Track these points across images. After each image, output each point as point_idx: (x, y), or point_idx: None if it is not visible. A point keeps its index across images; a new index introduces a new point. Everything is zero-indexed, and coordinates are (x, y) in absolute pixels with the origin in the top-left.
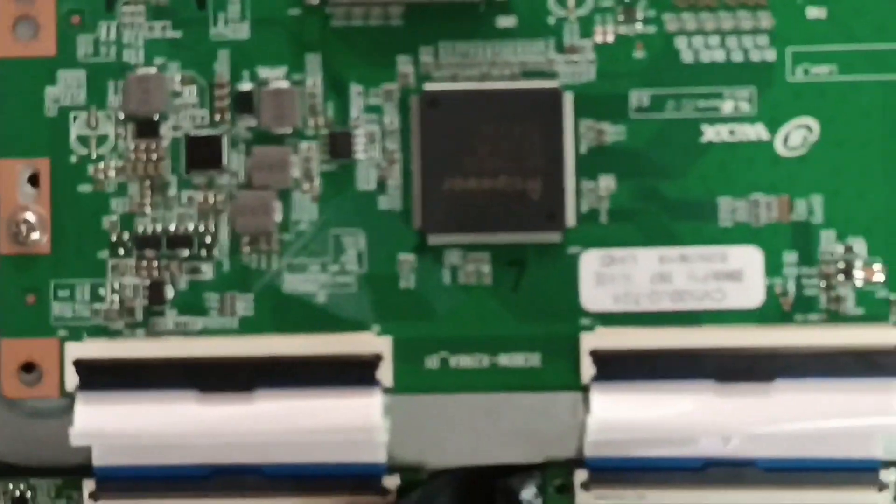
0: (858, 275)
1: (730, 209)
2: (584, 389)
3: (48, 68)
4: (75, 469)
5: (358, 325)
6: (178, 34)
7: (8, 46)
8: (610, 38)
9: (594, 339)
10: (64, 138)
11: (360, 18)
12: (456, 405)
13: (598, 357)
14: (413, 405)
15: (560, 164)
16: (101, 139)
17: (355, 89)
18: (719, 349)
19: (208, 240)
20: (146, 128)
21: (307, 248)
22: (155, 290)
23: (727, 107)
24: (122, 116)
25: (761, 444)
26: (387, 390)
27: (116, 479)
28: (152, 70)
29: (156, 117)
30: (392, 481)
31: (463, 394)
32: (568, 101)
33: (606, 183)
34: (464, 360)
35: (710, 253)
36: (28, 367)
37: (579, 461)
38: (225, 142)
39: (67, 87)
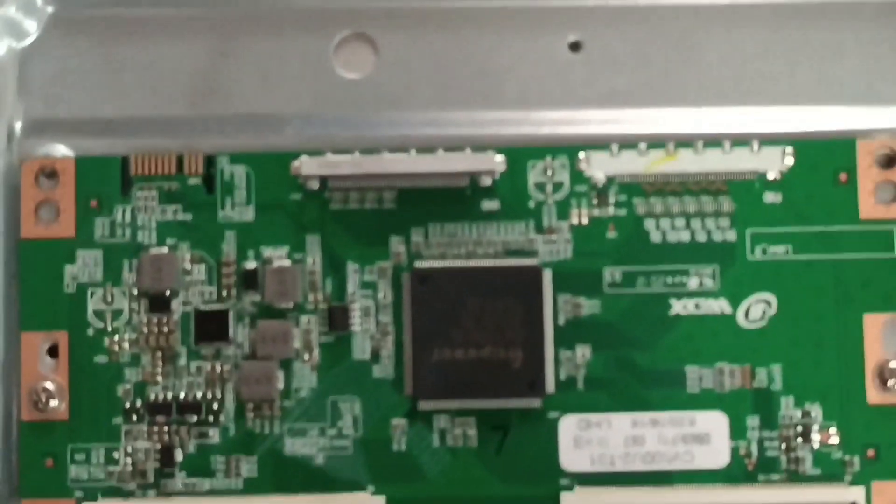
0: (815, 438)
1: (697, 377)
2: None
3: (68, 248)
4: None
5: (354, 486)
6: (188, 217)
7: (31, 229)
8: (585, 220)
9: (573, 499)
10: (82, 313)
11: (357, 202)
12: None
13: None
14: None
15: (540, 335)
16: (116, 313)
17: (352, 267)
18: None
19: (215, 406)
20: (158, 303)
21: (307, 414)
22: (165, 454)
23: (693, 283)
24: (135, 292)
25: None
26: None
27: None
28: (164, 250)
29: (167, 293)
30: None
31: None
32: (547, 277)
33: (583, 352)
34: None
35: (680, 417)
36: None
37: None
38: (231, 316)
39: (85, 265)
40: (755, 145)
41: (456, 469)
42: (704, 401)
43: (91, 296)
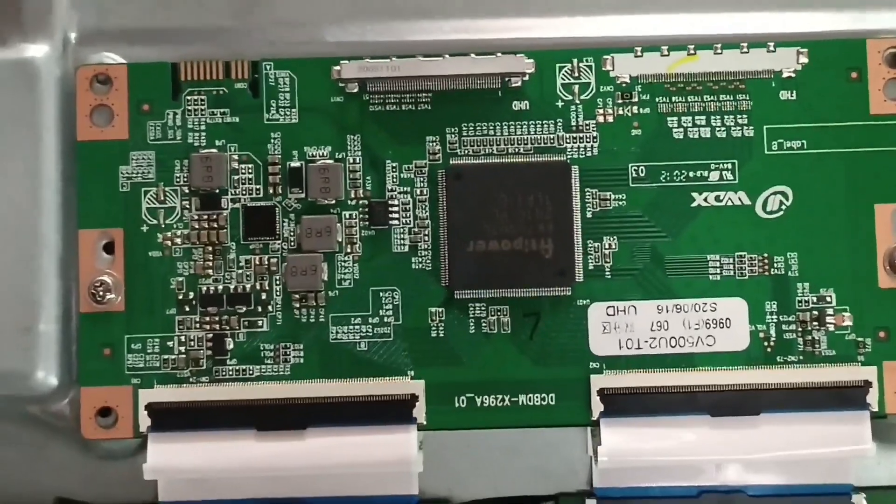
0: (830, 321)
1: (717, 265)
2: (594, 424)
3: (122, 150)
4: None
5: (395, 371)
6: (235, 119)
7: (86, 131)
8: (610, 119)
9: (602, 381)
10: (136, 210)
11: (394, 104)
12: (480, 441)
13: (606, 396)
14: (443, 441)
15: (569, 227)
16: (169, 211)
17: (390, 165)
18: (712, 387)
19: (263, 297)
20: (208, 200)
21: (350, 304)
22: (217, 343)
23: (713, 176)
24: (187, 191)
25: (749, 472)
26: (421, 427)
27: None
28: (213, 150)
29: (217, 191)
30: None
31: (487, 430)
32: (575, 172)
33: (609, 243)
34: (488, 400)
35: (702, 304)
36: (105, 412)
37: (589, 493)
38: (278, 212)
39: (139, 166)
40: (771, 46)
41: (491, 354)
42: (725, 288)
43: (145, 194)
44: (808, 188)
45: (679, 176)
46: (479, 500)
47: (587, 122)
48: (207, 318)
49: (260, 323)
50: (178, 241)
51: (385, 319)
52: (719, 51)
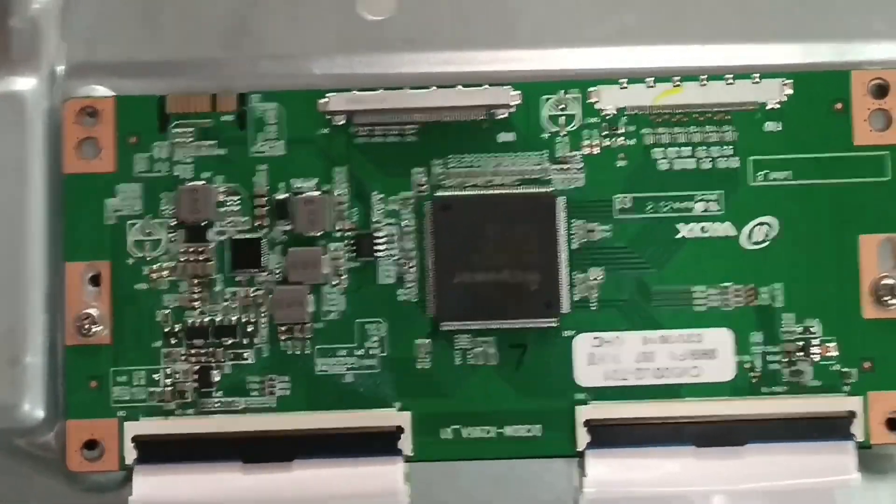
0: (815, 352)
1: (703, 296)
2: (580, 455)
3: (109, 183)
4: None
5: (381, 402)
6: (222, 151)
7: (74, 164)
8: (596, 150)
9: (588, 412)
10: (122, 243)
11: (380, 136)
12: (466, 473)
13: (592, 427)
14: (430, 473)
15: (555, 259)
16: (155, 243)
17: (377, 197)
18: (698, 418)
19: (250, 329)
20: (195, 233)
21: (336, 336)
22: (203, 375)
23: (698, 207)
24: (173, 223)
25: (735, 502)
26: (407, 459)
27: None
28: (200, 183)
29: (203, 224)
30: None
31: (474, 461)
32: (561, 204)
33: (595, 275)
34: (474, 432)
35: (687, 335)
36: (91, 445)
37: None
38: (264, 244)
39: (125, 198)
40: (756, 77)
41: (477, 385)
42: (711, 319)
43: (131, 227)
44: (794, 219)
45: (664, 207)
46: None
47: (573, 153)
48: (193, 351)
49: (246, 355)
50: (165, 273)
51: (371, 351)
52: (705, 82)
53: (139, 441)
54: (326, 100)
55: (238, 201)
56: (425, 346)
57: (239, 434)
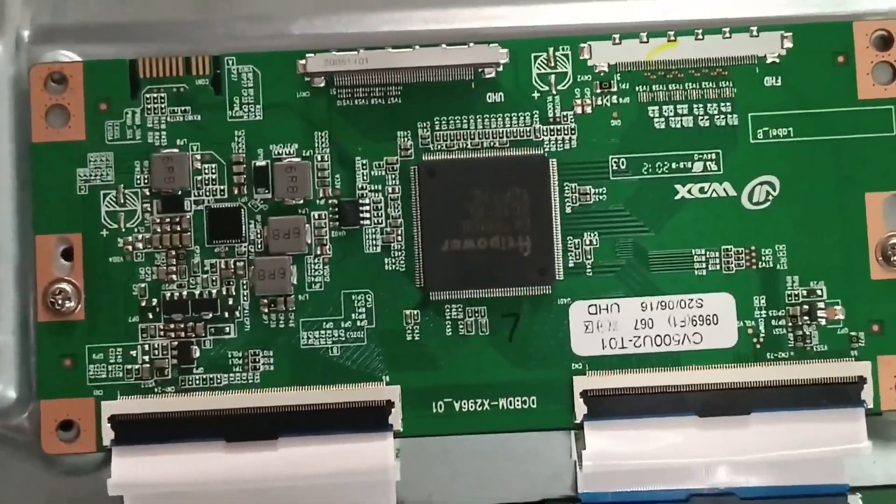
0: (821, 315)
1: (703, 259)
2: (578, 428)
3: (79, 151)
4: None
5: (369, 376)
6: (197, 117)
7: (42, 133)
8: (588, 110)
9: (585, 382)
10: (95, 215)
11: (363, 98)
12: (459, 448)
13: (590, 398)
14: (421, 448)
15: (548, 223)
16: (130, 214)
17: (360, 162)
18: (700, 387)
19: (230, 302)
20: (171, 202)
21: (321, 308)
22: (183, 351)
23: (697, 167)
24: (148, 193)
25: (740, 473)
26: (398, 434)
27: None
28: (175, 150)
29: (179, 193)
30: None
31: (467, 436)
32: (553, 166)
33: (590, 239)
34: (467, 405)
35: (687, 300)
36: (66, 426)
37: (574, 498)
38: (243, 213)
39: (97, 168)
40: (754, 30)
41: (469, 356)
42: (711, 283)
43: (104, 198)
44: (796, 178)
45: (661, 167)
46: None
47: (565, 113)
48: (172, 326)
49: (227, 329)
50: (140, 245)
51: (358, 323)
52: (700, 37)
53: (117, 421)
54: (305, 61)
55: (215, 169)
56: (414, 316)
57: (221, 412)
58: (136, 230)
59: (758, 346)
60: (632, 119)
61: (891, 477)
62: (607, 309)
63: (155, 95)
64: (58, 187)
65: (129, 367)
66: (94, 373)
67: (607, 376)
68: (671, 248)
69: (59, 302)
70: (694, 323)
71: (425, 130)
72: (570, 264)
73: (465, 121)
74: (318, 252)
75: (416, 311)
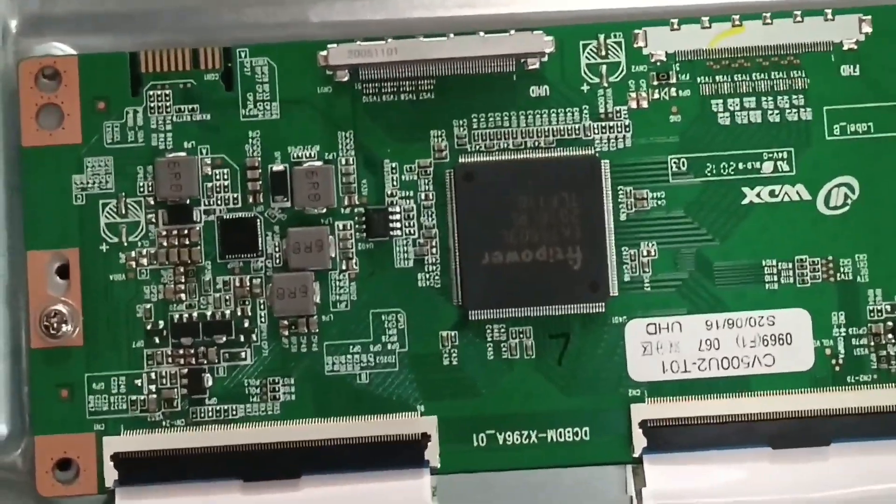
0: None
1: (774, 272)
2: (636, 462)
3: (75, 156)
4: None
5: (402, 406)
6: (206, 117)
7: (32, 136)
8: (644, 104)
9: (644, 410)
10: (93, 227)
11: (391, 94)
12: (502, 484)
13: (649, 428)
14: (461, 486)
15: (601, 232)
16: (132, 226)
17: (389, 166)
18: (772, 415)
19: (246, 325)
20: (178, 213)
21: (347, 330)
22: (193, 379)
23: (767, 168)
24: (152, 202)
25: None
26: (434, 470)
27: None
28: (182, 154)
29: (187, 202)
30: None
31: (511, 471)
32: (605, 168)
33: (648, 250)
34: (511, 437)
35: (757, 317)
36: (63, 465)
37: None
38: (259, 224)
39: (95, 174)
40: (828, 14)
41: (513, 383)
42: (784, 297)
43: (103, 208)
44: (877, 178)
45: (727, 168)
46: None
47: (618, 108)
48: (181, 351)
49: (243, 355)
50: (144, 261)
51: (389, 347)
52: (769, 21)
53: (120, 459)
54: (326, 53)
55: (227, 174)
56: (451, 338)
57: (237, 448)
58: (139, 244)
59: (837, 368)
60: (693, 114)
61: None
62: (668, 328)
63: (159, 92)
64: (51, 197)
65: (134, 397)
66: (95, 405)
67: (668, 404)
68: (738, 259)
69: (55, 325)
70: (765, 343)
71: (462, 129)
72: (626, 278)
73: (506, 118)
74: (344, 267)
75: (453, 333)
